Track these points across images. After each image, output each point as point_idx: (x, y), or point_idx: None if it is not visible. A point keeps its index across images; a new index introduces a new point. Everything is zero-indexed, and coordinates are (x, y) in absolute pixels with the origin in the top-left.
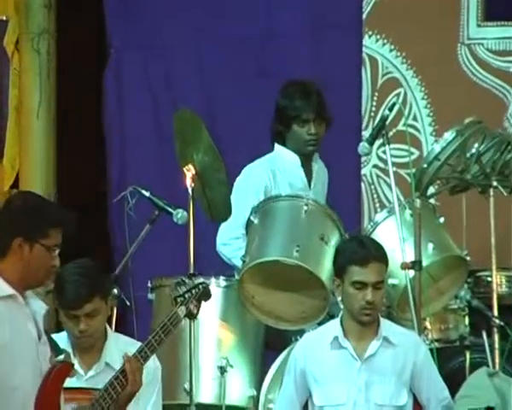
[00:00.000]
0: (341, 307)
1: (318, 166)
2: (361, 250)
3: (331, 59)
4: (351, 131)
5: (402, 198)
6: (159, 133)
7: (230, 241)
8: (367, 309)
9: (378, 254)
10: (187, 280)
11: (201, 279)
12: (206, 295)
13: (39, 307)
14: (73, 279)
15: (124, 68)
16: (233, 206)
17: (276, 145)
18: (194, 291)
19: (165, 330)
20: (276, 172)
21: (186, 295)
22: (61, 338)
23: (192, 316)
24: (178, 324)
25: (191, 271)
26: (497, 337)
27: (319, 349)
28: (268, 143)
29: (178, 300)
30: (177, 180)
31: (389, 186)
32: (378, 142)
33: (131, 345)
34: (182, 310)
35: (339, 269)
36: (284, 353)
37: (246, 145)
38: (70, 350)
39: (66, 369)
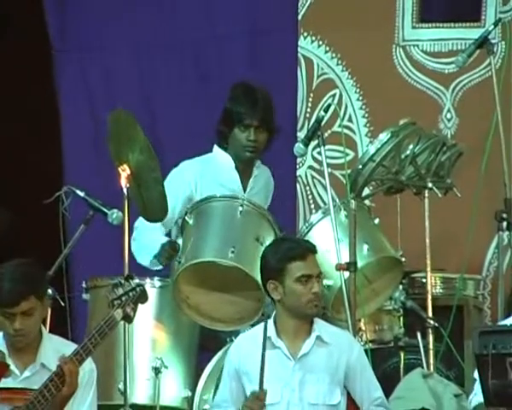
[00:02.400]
0: (274, 307)
1: (259, 173)
2: (297, 246)
3: (267, 60)
4: (286, 132)
5: (337, 199)
6: (95, 134)
7: (137, 236)
8: (315, 301)
9: (312, 247)
10: (124, 282)
11: (138, 282)
12: (142, 297)
13: None
14: (10, 277)
15: (63, 68)
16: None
17: (215, 147)
18: (131, 294)
19: (102, 333)
20: (205, 173)
21: (123, 298)
22: None
23: (129, 319)
24: (115, 327)
25: (126, 271)
26: (431, 338)
27: (253, 350)
28: (208, 145)
29: (115, 303)
30: (113, 180)
31: (324, 187)
32: (313, 143)
33: (66, 346)
34: (118, 313)
35: (274, 271)
36: (219, 354)
37: (186, 147)
38: (5, 351)
39: (2, 369)
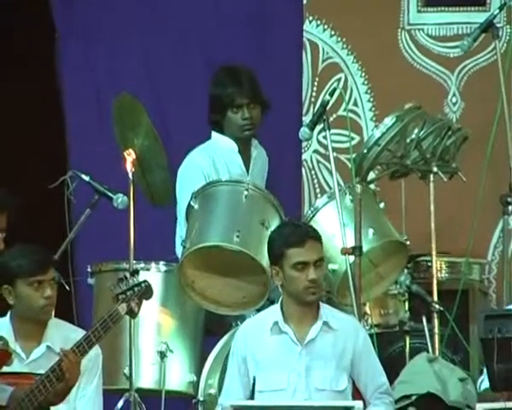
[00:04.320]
0: (281, 291)
1: (257, 153)
2: (295, 231)
3: (272, 44)
4: (291, 116)
5: (342, 183)
6: (100, 119)
7: None
8: (312, 288)
9: (313, 233)
10: (129, 277)
11: (145, 273)
12: (147, 293)
13: None
14: (30, 250)
15: (67, 54)
16: (179, 195)
17: (213, 133)
18: (136, 289)
19: (105, 326)
20: (215, 159)
21: (128, 293)
22: (2, 324)
23: (133, 314)
24: (119, 321)
25: (131, 256)
26: (436, 323)
27: (260, 335)
28: None
29: (120, 297)
30: (118, 165)
31: (330, 171)
32: (318, 127)
33: (73, 331)
34: (123, 307)
35: (276, 256)
36: (224, 338)
37: (192, 133)
38: (12, 337)
39: (4, 357)
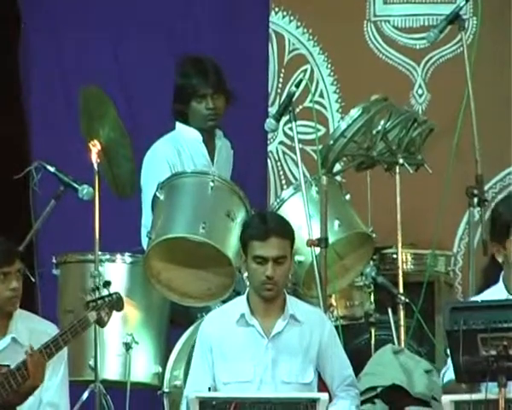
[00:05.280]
0: (247, 284)
1: (222, 144)
2: (261, 225)
3: (238, 35)
4: (257, 107)
5: (308, 175)
6: (66, 109)
7: None
8: (267, 284)
9: (279, 230)
10: (101, 287)
11: (116, 291)
12: (118, 305)
13: None
14: None
15: (34, 43)
16: (144, 185)
17: (178, 124)
18: (107, 299)
19: (74, 331)
20: (179, 150)
21: (99, 302)
22: None
23: (102, 323)
24: (87, 328)
25: (97, 247)
26: (402, 314)
27: (226, 326)
28: None
29: (90, 305)
30: (84, 156)
31: (295, 163)
32: (284, 118)
33: (38, 322)
34: (92, 315)
35: (243, 245)
36: (189, 330)
37: (160, 124)
38: None
39: None
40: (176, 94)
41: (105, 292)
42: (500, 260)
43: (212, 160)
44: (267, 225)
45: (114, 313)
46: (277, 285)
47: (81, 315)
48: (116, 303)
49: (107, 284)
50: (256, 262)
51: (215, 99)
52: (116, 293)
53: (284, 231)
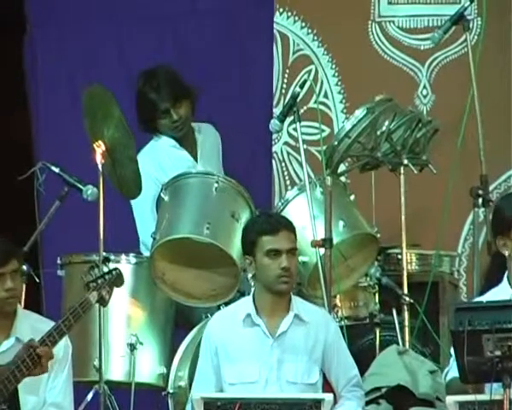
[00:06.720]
0: (252, 284)
1: (203, 137)
2: (270, 220)
3: (243, 36)
4: (262, 107)
5: (313, 176)
6: (71, 109)
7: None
8: (284, 276)
9: (287, 223)
10: (100, 265)
11: (115, 265)
12: (118, 281)
13: None
14: None
15: (40, 43)
16: (132, 203)
17: (153, 136)
18: (107, 277)
19: (76, 315)
20: (159, 161)
21: (99, 281)
22: None
23: (104, 302)
24: (89, 309)
25: (101, 248)
26: (406, 315)
27: (232, 327)
28: None
29: (91, 285)
30: (88, 156)
31: (300, 164)
32: (289, 119)
33: (42, 322)
34: (93, 296)
35: (249, 245)
36: (194, 330)
37: None
38: None
39: None
40: (138, 114)
41: (104, 269)
42: (507, 253)
43: (196, 158)
44: (276, 219)
45: (119, 314)
46: (292, 277)
47: (82, 297)
48: (116, 279)
49: (106, 260)
50: (269, 257)
51: (177, 109)
52: (115, 269)
53: (291, 224)
